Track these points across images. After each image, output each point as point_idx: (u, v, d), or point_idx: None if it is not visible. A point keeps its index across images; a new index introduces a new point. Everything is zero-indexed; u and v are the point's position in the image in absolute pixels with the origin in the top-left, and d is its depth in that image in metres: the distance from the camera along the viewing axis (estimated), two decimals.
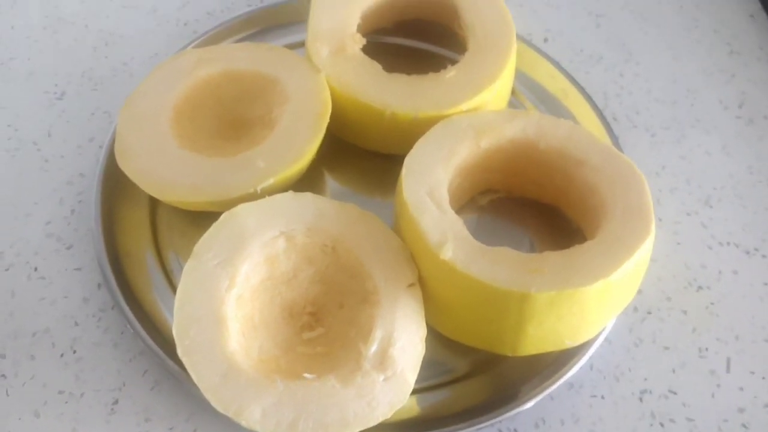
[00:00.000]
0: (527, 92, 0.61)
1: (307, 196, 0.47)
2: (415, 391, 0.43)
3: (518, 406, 0.45)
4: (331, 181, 0.56)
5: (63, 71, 0.61)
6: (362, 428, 0.40)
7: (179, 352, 0.41)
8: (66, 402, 0.45)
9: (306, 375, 0.41)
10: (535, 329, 0.43)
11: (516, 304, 0.42)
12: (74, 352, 0.47)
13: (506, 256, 0.43)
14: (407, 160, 0.47)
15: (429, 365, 0.45)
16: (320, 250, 0.46)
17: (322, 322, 0.46)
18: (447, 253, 0.43)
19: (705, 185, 0.58)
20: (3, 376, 0.46)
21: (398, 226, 0.47)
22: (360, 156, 0.56)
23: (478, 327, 0.45)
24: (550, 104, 0.60)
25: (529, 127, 0.49)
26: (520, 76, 0.60)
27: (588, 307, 0.42)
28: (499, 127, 0.49)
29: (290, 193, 0.47)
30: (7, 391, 0.45)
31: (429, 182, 0.46)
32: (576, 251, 0.44)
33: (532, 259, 0.43)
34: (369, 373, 0.41)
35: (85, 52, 0.62)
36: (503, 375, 0.47)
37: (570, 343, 0.45)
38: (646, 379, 0.48)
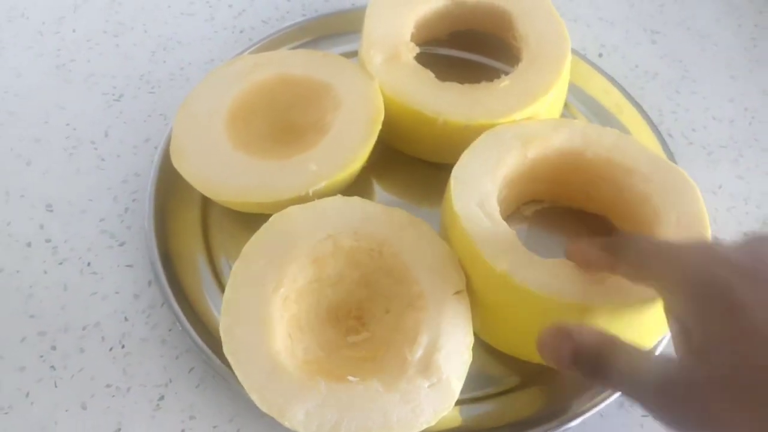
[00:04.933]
0: (581, 106, 0.60)
1: (355, 200, 0.47)
2: (460, 402, 0.43)
3: (565, 422, 0.44)
4: (379, 189, 0.56)
5: (122, 74, 0.62)
6: None
7: (225, 350, 0.41)
8: (113, 396, 0.46)
9: (350, 378, 0.41)
10: None
11: (575, 317, 0.41)
12: (123, 346, 0.48)
13: (563, 268, 0.42)
14: (455, 171, 0.47)
15: (476, 376, 0.45)
16: (367, 254, 0.46)
17: (368, 327, 0.45)
18: (502, 266, 0.42)
19: (763, 205, 0.57)
20: (52, 367, 0.47)
21: (447, 236, 0.46)
22: (409, 164, 0.56)
23: (532, 340, 0.44)
24: (604, 118, 0.59)
25: (575, 135, 0.49)
26: (574, 90, 0.59)
27: (647, 319, 0.41)
28: (546, 137, 0.49)
29: (339, 197, 0.47)
30: (55, 383, 0.46)
31: (479, 193, 0.46)
32: None
33: None
34: (414, 379, 0.40)
35: (144, 56, 0.64)
36: (552, 390, 0.46)
37: None
38: None
